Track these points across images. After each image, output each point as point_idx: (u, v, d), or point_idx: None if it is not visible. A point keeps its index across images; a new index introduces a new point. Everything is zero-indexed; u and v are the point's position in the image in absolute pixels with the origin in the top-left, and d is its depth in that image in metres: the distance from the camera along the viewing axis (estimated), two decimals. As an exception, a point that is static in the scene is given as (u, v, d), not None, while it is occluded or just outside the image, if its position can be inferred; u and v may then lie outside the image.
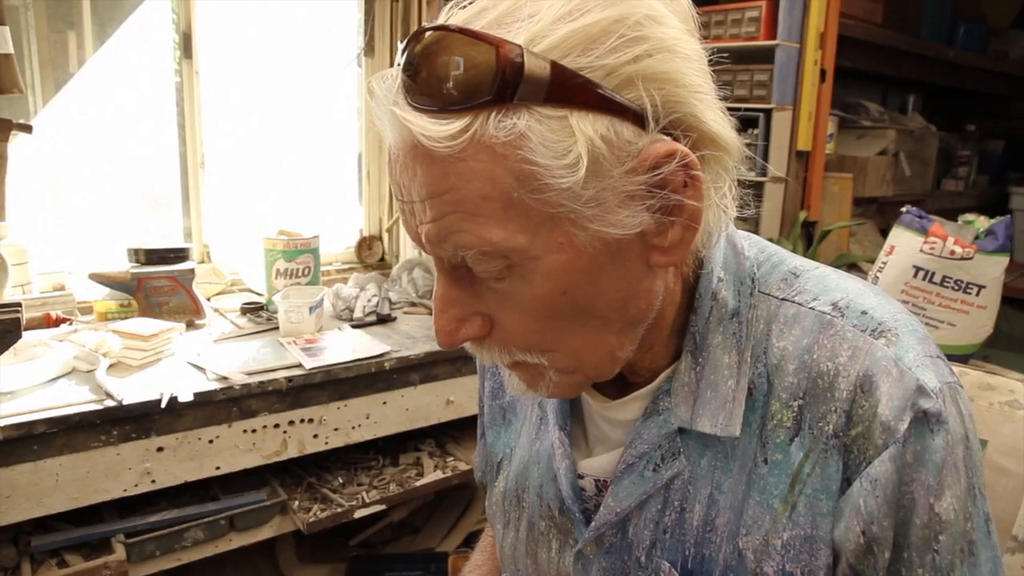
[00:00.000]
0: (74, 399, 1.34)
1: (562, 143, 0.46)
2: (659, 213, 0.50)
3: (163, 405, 1.36)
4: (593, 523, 0.65)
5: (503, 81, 0.44)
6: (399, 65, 0.47)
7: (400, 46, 0.48)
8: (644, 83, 0.47)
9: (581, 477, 0.67)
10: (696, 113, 0.49)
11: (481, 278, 0.52)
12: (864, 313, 0.57)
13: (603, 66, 0.46)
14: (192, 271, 1.83)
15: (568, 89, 0.45)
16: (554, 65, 0.45)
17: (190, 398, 1.40)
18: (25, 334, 1.54)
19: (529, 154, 0.45)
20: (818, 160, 2.27)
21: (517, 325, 0.53)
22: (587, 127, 0.46)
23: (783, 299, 0.60)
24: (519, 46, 0.44)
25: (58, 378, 1.44)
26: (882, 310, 0.58)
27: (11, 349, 1.38)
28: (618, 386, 0.65)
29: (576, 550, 0.67)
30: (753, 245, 0.65)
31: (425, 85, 0.46)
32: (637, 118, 0.47)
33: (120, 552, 1.36)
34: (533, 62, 0.44)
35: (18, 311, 1.18)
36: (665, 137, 0.48)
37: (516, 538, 0.74)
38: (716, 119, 0.51)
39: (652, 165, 0.48)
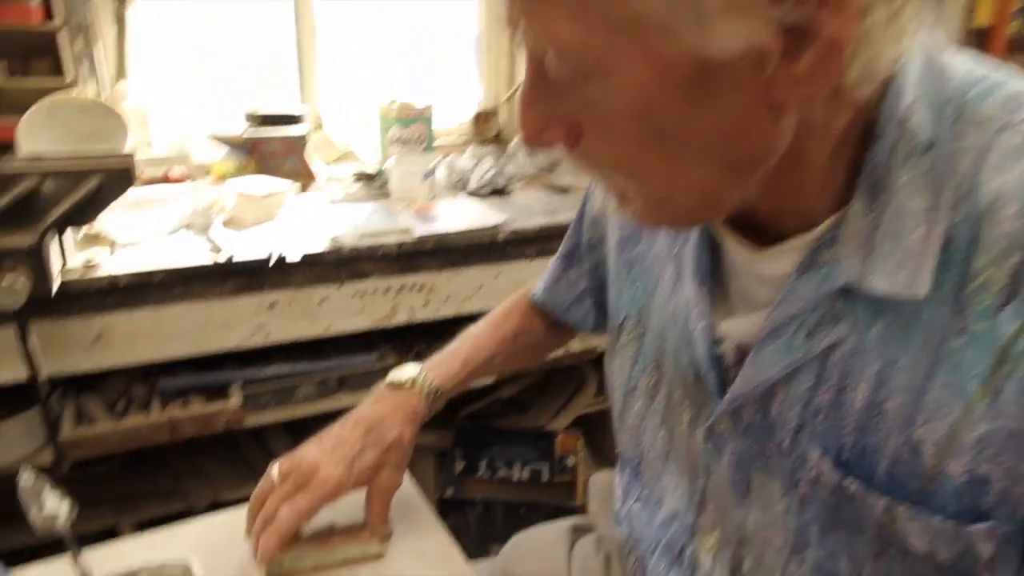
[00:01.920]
0: (189, 252, 1.36)
1: None
2: (785, 31, 0.37)
3: (271, 264, 1.36)
4: (727, 395, 0.54)
5: None
6: None
7: None
8: None
9: (720, 341, 0.57)
10: None
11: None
12: None
13: None
14: (305, 137, 1.81)
15: None
16: None
17: (298, 259, 1.39)
18: (145, 190, 1.57)
19: None
20: (999, 40, 1.90)
21: (598, 140, 0.45)
22: None
23: (1002, 127, 0.44)
24: None
25: (175, 231, 1.46)
26: None
27: (131, 202, 1.41)
28: (763, 235, 0.52)
29: (707, 426, 0.57)
30: (965, 61, 0.48)
31: None
32: None
33: (237, 399, 1.41)
34: None
35: (130, 159, 1.18)
36: None
37: (648, 407, 0.65)
38: None
39: None
